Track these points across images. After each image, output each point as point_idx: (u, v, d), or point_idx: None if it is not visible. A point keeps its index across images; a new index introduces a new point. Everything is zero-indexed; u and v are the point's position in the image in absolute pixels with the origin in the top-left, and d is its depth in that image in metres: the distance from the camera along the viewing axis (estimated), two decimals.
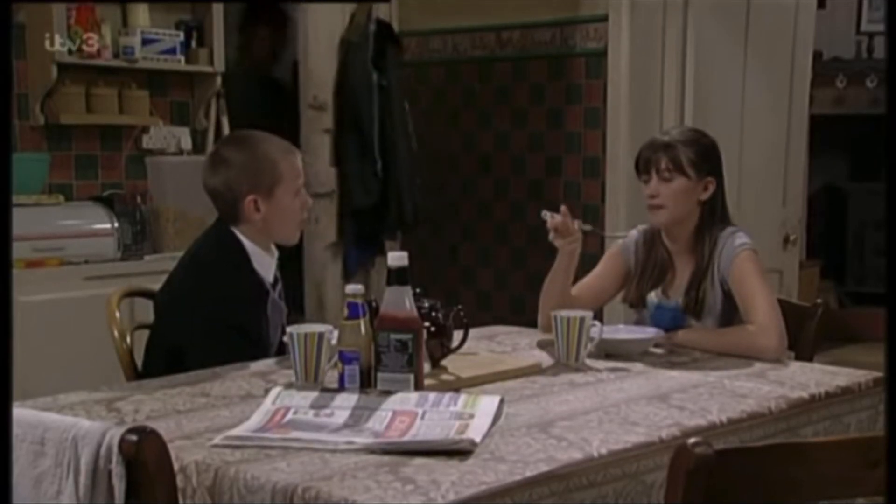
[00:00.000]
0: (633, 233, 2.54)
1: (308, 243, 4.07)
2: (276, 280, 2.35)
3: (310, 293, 4.13)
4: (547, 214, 2.38)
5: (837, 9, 6.20)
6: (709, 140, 2.45)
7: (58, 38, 3.42)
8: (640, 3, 3.95)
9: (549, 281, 2.46)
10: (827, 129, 6.00)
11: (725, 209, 2.45)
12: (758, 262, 2.36)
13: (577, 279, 2.57)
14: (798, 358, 2.38)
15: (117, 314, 2.33)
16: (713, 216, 2.41)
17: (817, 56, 5.24)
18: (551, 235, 2.39)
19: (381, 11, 4.35)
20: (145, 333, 2.32)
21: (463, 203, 4.46)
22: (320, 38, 4.07)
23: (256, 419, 1.70)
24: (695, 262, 2.40)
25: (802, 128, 4.59)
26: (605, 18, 3.98)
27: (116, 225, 3.54)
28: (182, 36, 3.81)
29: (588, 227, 2.44)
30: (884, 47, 6.21)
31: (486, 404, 1.73)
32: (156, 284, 2.43)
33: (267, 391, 1.83)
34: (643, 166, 2.43)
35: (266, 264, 2.31)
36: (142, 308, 2.54)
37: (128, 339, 2.32)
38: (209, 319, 2.17)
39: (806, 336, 2.45)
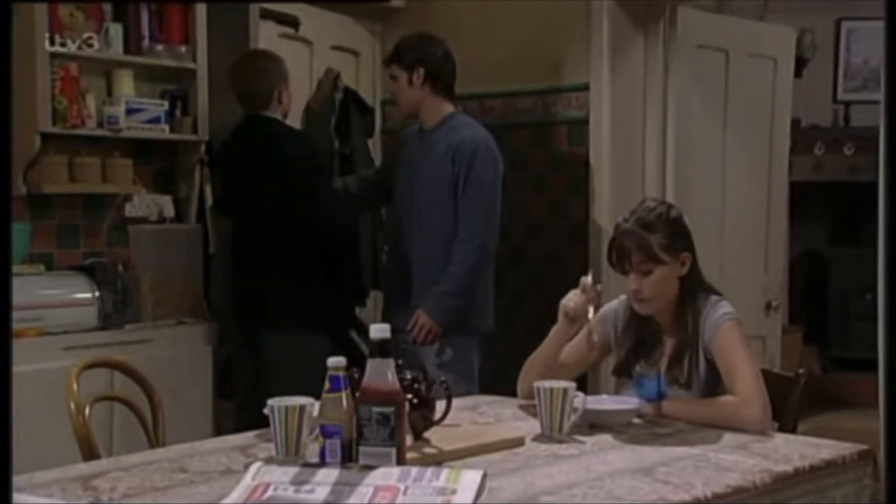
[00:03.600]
0: (615, 303, 2.53)
1: None
2: None
3: None
4: (587, 281, 2.41)
5: (814, 77, 6.31)
6: (674, 214, 2.41)
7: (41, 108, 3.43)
8: (621, 72, 4.02)
9: (543, 348, 2.46)
10: (806, 196, 6.06)
11: (701, 275, 2.44)
12: (741, 332, 2.35)
13: None
14: (782, 428, 2.36)
15: (75, 386, 2.29)
16: (693, 285, 2.40)
17: (795, 123, 5.32)
18: (563, 314, 2.40)
19: (362, 81, 4.42)
20: (104, 406, 2.28)
21: None
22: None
23: (236, 496, 1.68)
24: (678, 332, 2.40)
25: (783, 194, 4.65)
26: (586, 87, 4.03)
27: (97, 294, 3.51)
28: (167, 105, 3.83)
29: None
30: (861, 117, 6.32)
31: (469, 479, 1.71)
32: (135, 354, 2.40)
33: (247, 466, 1.81)
34: (617, 261, 2.38)
35: None
36: (102, 380, 2.51)
37: (86, 412, 2.27)
38: None
39: (790, 406, 2.43)
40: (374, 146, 4.43)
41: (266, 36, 4.03)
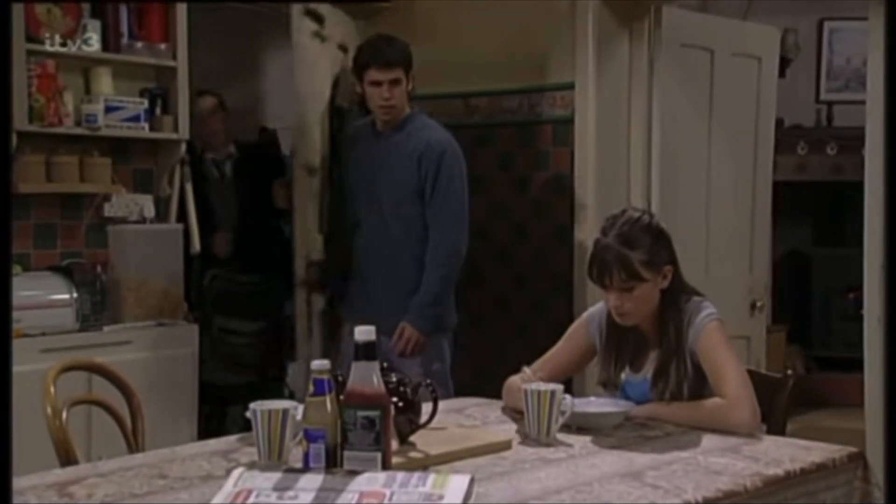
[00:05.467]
0: (600, 306, 2.49)
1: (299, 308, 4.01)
2: None
3: (299, 362, 4.05)
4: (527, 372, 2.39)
5: (797, 77, 6.32)
6: (653, 226, 2.33)
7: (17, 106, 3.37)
8: (606, 71, 3.99)
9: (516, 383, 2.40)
10: (790, 196, 6.07)
11: (683, 282, 2.40)
12: (724, 332, 2.33)
13: (543, 350, 2.55)
14: (770, 430, 2.34)
15: (52, 389, 2.24)
16: (675, 294, 2.36)
17: (778, 123, 5.32)
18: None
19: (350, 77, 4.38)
20: (82, 410, 2.23)
21: None
22: (309, 102, 4.06)
23: (217, 502, 1.64)
24: (662, 339, 2.36)
25: (767, 194, 4.64)
26: (571, 86, 4.00)
27: (75, 295, 3.46)
28: (146, 103, 3.78)
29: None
30: (843, 117, 6.34)
31: (456, 484, 1.68)
32: (114, 356, 2.36)
33: (228, 471, 1.77)
34: (597, 278, 2.31)
35: None
36: (80, 383, 2.47)
37: (63, 416, 2.22)
38: None
39: (778, 408, 2.41)
40: None
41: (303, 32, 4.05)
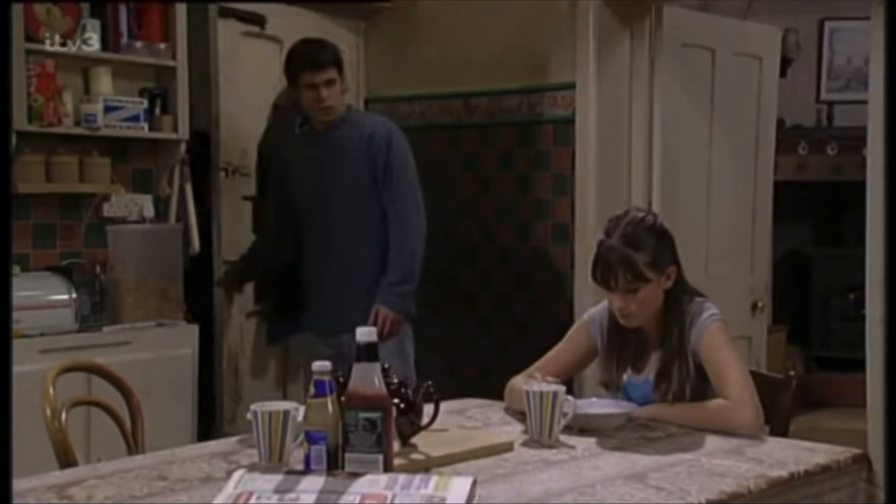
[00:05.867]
0: (601, 306, 2.48)
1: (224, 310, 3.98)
2: None
3: (226, 362, 4.03)
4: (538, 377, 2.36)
5: (798, 77, 6.31)
6: (657, 227, 2.32)
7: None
8: (607, 71, 3.98)
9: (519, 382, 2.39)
10: (790, 196, 6.07)
11: (686, 283, 2.39)
12: (727, 333, 2.32)
13: (544, 350, 2.54)
14: (773, 431, 2.33)
15: (51, 390, 2.23)
16: (677, 294, 2.35)
17: (779, 123, 5.31)
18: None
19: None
20: (81, 411, 2.22)
21: (429, 271, 4.40)
22: (245, 101, 4.04)
23: None
24: (665, 340, 2.35)
25: (768, 195, 4.63)
26: (572, 86, 4.00)
27: (74, 295, 3.45)
28: (146, 103, 3.77)
29: None
30: (844, 117, 6.33)
31: (458, 486, 1.67)
32: (113, 357, 2.35)
33: (229, 473, 1.76)
34: (601, 279, 2.29)
35: None
36: (80, 384, 2.45)
37: (62, 418, 2.21)
38: None
39: (780, 409, 2.41)
40: None
41: (227, 35, 3.99)
